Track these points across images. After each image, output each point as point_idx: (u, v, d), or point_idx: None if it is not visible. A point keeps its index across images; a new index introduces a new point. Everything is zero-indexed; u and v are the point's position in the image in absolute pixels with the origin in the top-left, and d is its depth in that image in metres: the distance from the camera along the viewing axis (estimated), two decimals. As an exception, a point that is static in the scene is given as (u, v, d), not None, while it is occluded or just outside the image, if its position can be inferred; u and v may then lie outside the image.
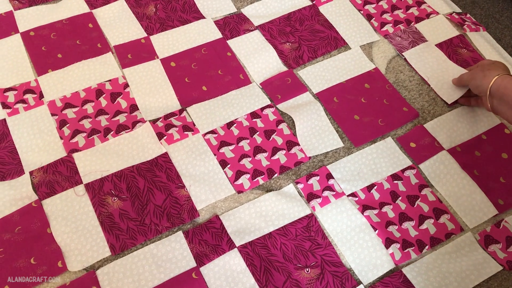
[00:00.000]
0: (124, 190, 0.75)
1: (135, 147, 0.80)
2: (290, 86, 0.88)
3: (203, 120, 0.83)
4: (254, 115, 0.84)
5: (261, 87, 0.88)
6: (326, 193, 0.76)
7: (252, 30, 0.96)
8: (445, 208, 0.76)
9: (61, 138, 0.80)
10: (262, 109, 0.85)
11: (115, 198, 0.74)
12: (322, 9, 1.00)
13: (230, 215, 0.74)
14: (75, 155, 0.78)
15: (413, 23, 0.97)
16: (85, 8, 0.97)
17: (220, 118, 0.83)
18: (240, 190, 0.76)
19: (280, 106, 0.85)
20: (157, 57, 0.91)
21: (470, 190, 0.77)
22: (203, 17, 0.97)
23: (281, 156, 0.80)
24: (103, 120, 0.83)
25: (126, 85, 0.87)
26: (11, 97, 0.84)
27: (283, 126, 0.83)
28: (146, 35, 0.94)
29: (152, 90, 0.87)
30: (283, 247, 0.71)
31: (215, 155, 0.79)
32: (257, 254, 0.70)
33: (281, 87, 0.88)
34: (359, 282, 0.69)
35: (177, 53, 0.92)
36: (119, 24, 0.96)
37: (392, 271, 0.70)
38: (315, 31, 0.96)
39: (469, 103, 0.85)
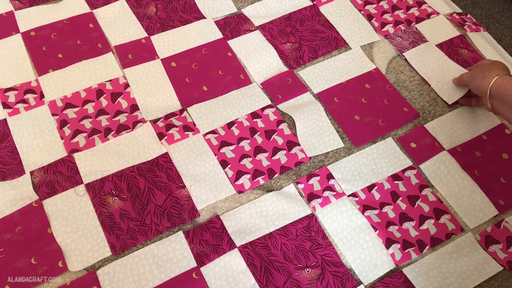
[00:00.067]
0: (125, 190, 0.75)
1: (135, 147, 0.80)
2: (290, 86, 0.88)
3: (203, 120, 0.83)
4: (254, 115, 0.84)
5: (261, 87, 0.88)
6: (326, 193, 0.76)
7: (252, 30, 0.96)
8: (445, 208, 0.76)
9: (62, 138, 0.80)
10: (263, 109, 0.85)
11: (116, 198, 0.74)
12: (323, 9, 1.00)
13: (231, 215, 0.74)
14: (76, 155, 0.78)
15: (413, 23, 0.97)
16: (85, 8, 0.97)
17: (220, 118, 0.84)
18: (240, 190, 0.76)
19: (281, 106, 0.85)
20: (158, 57, 0.91)
21: (471, 190, 0.77)
22: (204, 17, 0.97)
23: (281, 156, 0.80)
24: (104, 120, 0.83)
25: (127, 85, 0.87)
26: (11, 97, 0.84)
27: (283, 126, 0.83)
28: (146, 35, 0.94)
29: (152, 90, 0.87)
30: (284, 247, 0.71)
31: (215, 155, 0.79)
32: (258, 254, 0.70)
33: (282, 87, 0.88)
34: (360, 282, 0.69)
35: (178, 53, 0.92)
36: (120, 24, 0.96)
37: (392, 271, 0.70)
38: (315, 31, 0.96)
39: (470, 103, 0.85)
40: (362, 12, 0.99)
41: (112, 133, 0.81)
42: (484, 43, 0.96)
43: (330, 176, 0.78)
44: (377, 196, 0.76)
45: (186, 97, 0.86)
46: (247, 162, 0.79)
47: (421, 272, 0.70)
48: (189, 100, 0.86)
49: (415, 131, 0.83)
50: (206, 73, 0.89)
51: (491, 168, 0.80)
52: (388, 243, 0.71)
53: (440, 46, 0.94)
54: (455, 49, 0.94)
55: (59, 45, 0.92)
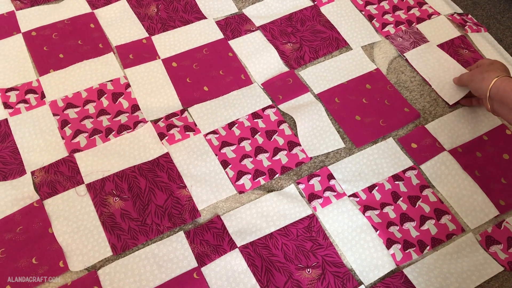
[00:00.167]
0: (126, 190, 0.75)
1: (136, 147, 0.80)
2: (291, 86, 0.88)
3: (204, 120, 0.83)
4: (255, 115, 0.84)
5: (262, 87, 0.88)
6: (327, 193, 0.76)
7: (253, 31, 0.96)
8: (446, 208, 0.76)
9: (63, 138, 0.80)
10: (264, 109, 0.85)
11: (117, 198, 0.74)
12: (324, 9, 1.00)
13: (232, 215, 0.74)
14: (77, 155, 0.78)
15: (414, 23, 0.97)
16: (86, 8, 0.97)
17: (221, 118, 0.84)
18: (241, 190, 0.76)
19: (282, 106, 0.85)
20: (159, 57, 0.91)
21: (471, 190, 0.77)
22: (205, 18, 0.98)
23: (282, 157, 0.80)
24: (105, 120, 0.83)
25: (128, 85, 0.87)
26: (12, 97, 0.85)
27: (284, 126, 0.83)
28: (147, 35, 0.94)
29: (153, 90, 0.87)
30: (284, 248, 0.71)
31: (216, 155, 0.80)
32: (258, 254, 0.70)
33: (283, 88, 0.88)
34: (360, 283, 0.69)
35: (179, 54, 0.92)
36: (121, 24, 0.96)
37: (393, 272, 0.70)
38: (316, 31, 0.96)
39: (471, 103, 0.85)
40: (363, 13, 0.99)
41: (113, 133, 0.81)
42: (485, 44, 0.96)
43: (330, 177, 0.78)
44: (377, 196, 0.76)
45: (187, 97, 0.86)
46: (248, 162, 0.79)
47: (422, 272, 0.70)
48: (190, 100, 0.86)
49: (416, 131, 0.83)
50: (207, 73, 0.90)
51: (491, 168, 0.80)
52: (389, 243, 0.71)
53: (441, 46, 0.94)
54: (456, 49, 0.94)
55: (60, 45, 0.92)
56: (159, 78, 0.88)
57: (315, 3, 1.01)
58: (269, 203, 0.75)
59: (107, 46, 0.92)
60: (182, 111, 0.84)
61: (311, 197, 0.76)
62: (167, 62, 0.91)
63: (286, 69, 0.91)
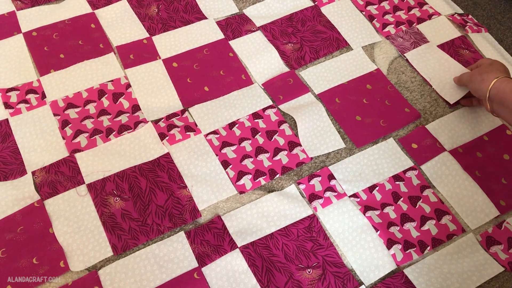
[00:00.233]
0: (126, 190, 0.75)
1: (137, 148, 0.80)
2: (292, 86, 0.88)
3: (205, 120, 0.83)
4: (256, 115, 0.84)
5: (263, 87, 0.88)
6: (328, 193, 0.76)
7: (254, 31, 0.96)
8: (446, 209, 0.76)
9: (63, 138, 0.80)
10: (264, 109, 0.85)
11: (117, 198, 0.74)
12: (324, 10, 1.00)
13: (232, 215, 0.74)
14: (77, 155, 0.78)
15: (415, 24, 0.97)
16: (87, 9, 0.97)
17: (222, 118, 0.84)
18: (242, 190, 0.76)
19: (282, 106, 0.86)
20: (159, 58, 0.91)
21: (472, 191, 0.77)
22: (205, 18, 0.98)
23: (283, 157, 0.80)
24: (105, 120, 0.83)
25: (128, 86, 0.87)
26: (13, 97, 0.85)
27: (285, 126, 0.83)
28: (148, 35, 0.94)
29: (154, 90, 0.87)
30: (285, 248, 0.71)
31: (217, 155, 0.80)
32: (259, 254, 0.70)
33: (283, 88, 0.88)
34: (361, 283, 0.69)
35: (179, 54, 0.92)
36: (121, 24, 0.96)
37: (393, 272, 0.70)
38: (317, 32, 0.96)
39: (471, 103, 0.85)
40: (364, 13, 1.00)
41: (113, 133, 0.81)
42: (486, 44, 0.96)
43: (331, 177, 0.78)
44: (378, 196, 0.76)
45: (188, 97, 0.86)
46: (248, 163, 0.79)
47: (422, 272, 0.70)
48: (190, 101, 0.86)
49: (416, 131, 0.83)
50: (207, 73, 0.90)
51: (492, 169, 0.80)
52: (389, 243, 0.71)
53: (442, 46, 0.94)
54: (456, 49, 0.94)
55: (61, 45, 0.92)
56: (159, 78, 0.88)
57: (316, 3, 1.01)
58: (270, 203, 0.75)
59: (107, 46, 0.92)
60: (183, 111, 0.84)
61: (312, 197, 0.76)
62: (167, 62, 0.91)
63: (286, 69, 0.91)
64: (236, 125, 0.83)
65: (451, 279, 0.69)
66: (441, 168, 0.79)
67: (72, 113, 0.83)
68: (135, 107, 0.85)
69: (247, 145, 0.81)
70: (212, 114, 0.84)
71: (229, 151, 0.80)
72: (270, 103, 0.86)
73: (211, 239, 0.71)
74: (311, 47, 0.94)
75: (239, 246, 0.71)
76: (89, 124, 0.82)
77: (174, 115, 0.84)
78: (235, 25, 0.97)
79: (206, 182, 0.77)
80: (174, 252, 0.70)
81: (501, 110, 0.73)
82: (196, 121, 0.83)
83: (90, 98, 0.85)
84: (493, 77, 0.73)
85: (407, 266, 0.71)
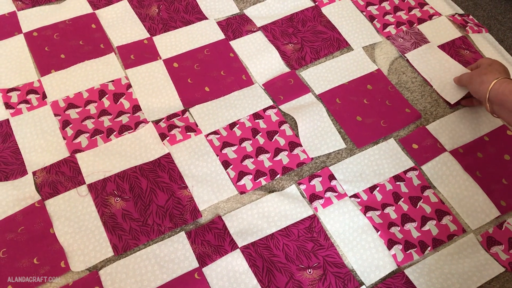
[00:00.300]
0: (127, 191, 0.75)
1: (137, 148, 0.80)
2: (292, 87, 0.88)
3: (205, 120, 0.83)
4: (256, 116, 0.84)
5: (263, 88, 0.88)
6: (328, 194, 0.76)
7: (254, 31, 0.96)
8: (447, 209, 0.76)
9: (64, 138, 0.80)
10: (265, 110, 0.85)
11: (118, 198, 0.74)
12: (325, 10, 1.00)
13: (233, 215, 0.74)
14: (78, 156, 0.78)
15: (415, 24, 0.98)
16: (88, 9, 0.97)
17: (222, 119, 0.84)
18: (242, 190, 0.76)
19: (283, 107, 0.86)
20: (160, 58, 0.91)
21: (473, 191, 0.77)
22: (206, 18, 0.98)
23: (283, 157, 0.80)
24: (106, 121, 0.83)
25: (129, 86, 0.87)
26: (14, 97, 0.85)
27: (285, 127, 0.83)
28: (149, 35, 0.94)
29: (155, 90, 0.87)
30: (286, 248, 0.71)
31: (217, 155, 0.80)
32: (260, 255, 0.70)
33: (284, 88, 0.88)
34: (361, 283, 0.69)
35: (180, 54, 0.92)
36: (122, 24, 0.96)
37: (394, 272, 0.70)
38: (317, 32, 0.96)
39: (472, 103, 0.85)
40: (364, 13, 1.00)
41: (114, 133, 0.81)
42: (486, 44, 0.96)
43: (332, 177, 0.78)
44: (379, 197, 0.76)
45: (188, 97, 0.86)
46: (249, 163, 0.79)
47: (423, 273, 0.70)
48: (191, 101, 0.86)
49: (417, 132, 0.83)
50: (208, 73, 0.90)
51: (493, 169, 0.80)
52: (390, 244, 0.71)
53: (442, 47, 0.94)
54: (457, 50, 0.94)
55: (61, 46, 0.92)
56: (160, 78, 0.89)
57: (316, 3, 1.01)
58: (270, 204, 0.75)
59: (108, 46, 0.92)
60: (183, 112, 0.84)
61: (312, 197, 0.76)
62: (168, 62, 0.91)
63: (287, 69, 0.91)
64: (237, 126, 0.83)
65: (451, 280, 0.69)
66: (442, 168, 0.79)
67: (73, 113, 0.83)
68: (136, 107, 0.85)
69: (247, 146, 0.81)
70: (213, 114, 0.84)
71: (229, 152, 0.80)
72: (271, 103, 0.86)
73: (212, 240, 0.71)
74: (311, 47, 0.94)
75: (239, 247, 0.71)
76: (89, 124, 0.82)
77: (174, 115, 0.84)
78: (236, 26, 0.97)
79: (207, 183, 0.77)
80: (175, 253, 0.70)
81: (502, 111, 0.73)
82: (196, 121, 0.83)
83: (91, 99, 0.85)
84: (493, 79, 0.72)
85: (408, 267, 0.71)
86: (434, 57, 0.92)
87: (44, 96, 0.85)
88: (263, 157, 0.80)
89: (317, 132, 0.82)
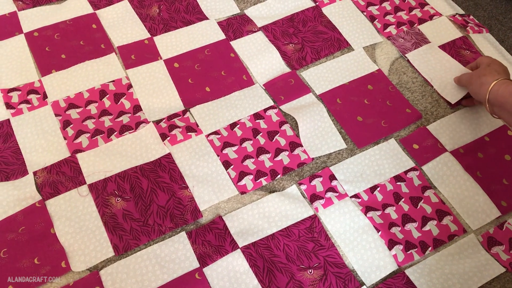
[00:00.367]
0: (128, 191, 0.75)
1: (138, 148, 0.80)
2: (293, 87, 0.88)
3: (206, 121, 0.83)
4: (257, 116, 0.84)
5: (264, 88, 0.88)
6: (329, 194, 0.76)
7: (255, 31, 0.96)
8: (448, 209, 0.76)
9: (65, 138, 0.80)
10: (265, 110, 0.85)
11: (119, 198, 0.74)
12: (325, 10, 1.00)
13: (233, 216, 0.74)
14: (79, 156, 0.78)
15: (416, 24, 0.98)
16: (88, 9, 0.98)
17: (223, 119, 0.84)
18: (243, 191, 0.76)
19: (283, 107, 0.86)
20: (161, 58, 0.91)
21: (473, 191, 0.77)
22: (207, 18, 0.98)
23: (284, 157, 0.80)
24: (107, 121, 0.83)
25: (130, 86, 0.87)
26: (15, 97, 0.85)
27: (286, 127, 0.83)
28: (149, 36, 0.94)
29: (155, 90, 0.87)
30: (286, 248, 0.71)
31: (218, 156, 0.80)
32: (260, 255, 0.70)
33: (284, 88, 0.88)
34: (362, 284, 0.69)
35: (181, 54, 0.92)
36: (123, 25, 0.96)
37: (395, 273, 0.70)
38: (318, 32, 0.96)
39: (473, 103, 0.85)
40: (365, 13, 1.00)
41: (115, 133, 0.81)
42: (487, 45, 0.96)
43: (332, 177, 0.78)
44: (379, 197, 0.76)
45: (189, 98, 0.86)
46: (249, 163, 0.79)
47: (424, 273, 0.70)
48: (192, 101, 0.86)
49: (418, 132, 0.83)
50: (209, 74, 0.90)
51: (493, 169, 0.80)
52: (391, 244, 0.71)
53: (443, 47, 0.94)
54: (457, 50, 0.94)
55: (62, 46, 0.92)
56: (161, 78, 0.89)
57: (317, 4, 1.01)
58: (271, 204, 0.75)
59: (109, 46, 0.92)
60: (184, 112, 0.84)
61: (313, 197, 0.76)
62: (169, 62, 0.91)
63: (287, 69, 0.91)
64: (238, 126, 0.83)
65: (452, 280, 0.69)
66: (442, 168, 0.79)
67: (74, 113, 0.83)
68: (137, 108, 0.85)
69: (248, 146, 0.81)
70: (214, 114, 0.84)
71: (230, 152, 0.80)
72: (271, 103, 0.86)
73: (213, 240, 0.71)
74: (312, 47, 0.94)
75: (240, 247, 0.71)
76: (90, 124, 0.82)
77: (175, 115, 0.84)
78: (236, 26, 0.97)
79: (208, 183, 0.77)
80: (176, 253, 0.70)
81: (502, 113, 0.73)
82: (197, 121, 0.83)
83: (92, 99, 0.85)
84: (492, 80, 0.72)
85: (409, 267, 0.71)
86: (435, 57, 0.92)
87: (44, 96, 0.85)
88: (264, 157, 0.80)
89: (318, 132, 0.82)
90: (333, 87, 0.88)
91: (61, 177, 0.76)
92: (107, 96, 0.86)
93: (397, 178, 0.78)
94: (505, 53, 0.95)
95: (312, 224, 0.73)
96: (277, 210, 0.74)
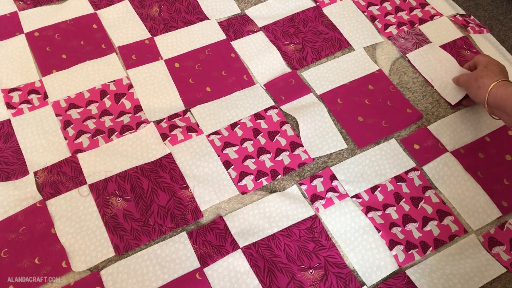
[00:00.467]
0: (128, 191, 0.75)
1: (139, 148, 0.80)
2: (293, 87, 0.88)
3: (207, 121, 0.83)
4: (258, 116, 0.84)
5: (265, 88, 0.88)
6: (329, 194, 0.76)
7: (255, 31, 0.96)
8: (448, 210, 0.75)
9: (66, 138, 0.80)
10: (266, 110, 0.85)
11: (119, 198, 0.74)
12: (326, 10, 1.00)
13: (234, 216, 0.74)
14: (79, 156, 0.78)
15: (416, 24, 0.97)
16: (89, 9, 0.98)
17: (224, 119, 0.84)
18: (243, 191, 0.76)
19: (284, 107, 0.86)
20: (161, 58, 0.91)
21: (474, 192, 0.77)
22: (207, 18, 0.98)
23: (284, 157, 0.80)
24: (107, 121, 0.83)
25: (130, 86, 0.87)
26: (15, 97, 0.85)
27: (286, 127, 0.83)
28: (150, 36, 0.94)
29: (156, 91, 0.87)
30: (287, 248, 0.71)
31: (219, 156, 0.80)
32: (261, 255, 0.70)
33: (285, 88, 0.88)
34: (363, 284, 0.69)
35: (181, 54, 0.92)
36: (123, 25, 0.96)
37: (395, 273, 0.70)
38: (318, 32, 0.96)
39: (473, 102, 0.85)
40: (365, 14, 1.00)
41: (115, 133, 0.81)
42: (487, 45, 0.96)
43: (333, 177, 0.78)
44: (380, 197, 0.76)
45: (190, 98, 0.86)
46: (250, 163, 0.79)
47: (424, 273, 0.70)
48: (192, 101, 0.86)
49: (418, 132, 0.83)
50: (209, 74, 0.90)
51: (494, 169, 0.79)
52: (392, 244, 0.71)
53: (443, 47, 0.94)
54: (458, 50, 0.94)
55: (63, 46, 0.92)
56: (161, 78, 0.89)
57: (318, 4, 1.01)
58: (272, 204, 0.75)
59: (109, 46, 0.92)
60: (185, 112, 0.84)
61: (314, 198, 0.76)
62: (169, 62, 0.91)
63: (288, 70, 0.91)
64: (238, 126, 0.83)
65: (453, 280, 0.69)
66: (443, 169, 0.79)
67: (74, 113, 0.83)
68: (137, 108, 0.85)
69: (249, 146, 0.81)
70: (214, 114, 0.84)
71: (231, 152, 0.80)
72: (272, 103, 0.86)
73: (213, 240, 0.71)
74: (313, 47, 0.94)
75: (241, 247, 0.71)
76: (91, 124, 0.82)
77: (176, 115, 0.84)
78: (237, 26, 0.97)
79: (208, 183, 0.77)
80: (176, 253, 0.70)
81: (501, 114, 0.73)
82: (198, 121, 0.83)
83: (92, 99, 0.85)
84: (490, 83, 0.72)
85: (409, 267, 0.71)
86: (436, 58, 0.92)
87: (45, 96, 0.85)
88: (264, 157, 0.80)
89: (319, 132, 0.82)
90: (334, 87, 0.88)
91: (61, 177, 0.76)
92: (108, 96, 0.86)
93: (398, 178, 0.78)
94: (505, 53, 0.95)
95: (313, 224, 0.73)
96: (278, 210, 0.74)
